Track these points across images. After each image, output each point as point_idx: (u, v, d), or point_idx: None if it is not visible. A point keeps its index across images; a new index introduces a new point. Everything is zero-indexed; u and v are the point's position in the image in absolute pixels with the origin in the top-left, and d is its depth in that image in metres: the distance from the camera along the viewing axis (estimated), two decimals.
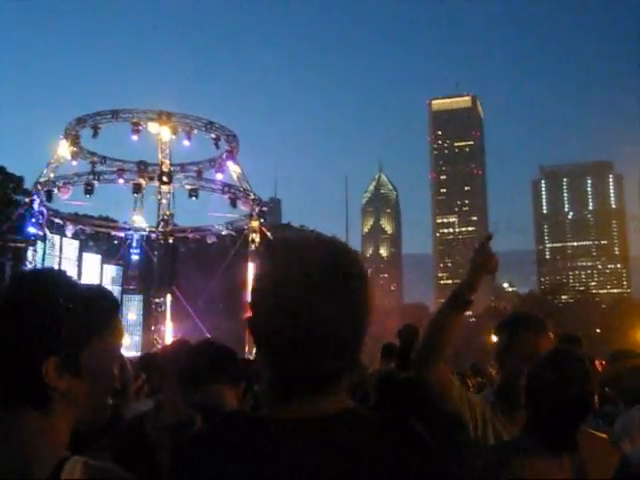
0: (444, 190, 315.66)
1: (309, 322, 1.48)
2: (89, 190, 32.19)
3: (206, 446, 1.53)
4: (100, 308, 1.77)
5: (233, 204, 33.34)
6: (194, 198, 32.64)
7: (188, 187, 32.93)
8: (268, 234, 34.78)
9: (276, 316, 1.50)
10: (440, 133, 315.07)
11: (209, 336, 23.90)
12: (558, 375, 2.84)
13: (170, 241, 34.81)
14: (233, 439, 1.51)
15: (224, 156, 33.95)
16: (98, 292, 1.84)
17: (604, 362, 6.41)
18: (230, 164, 34.08)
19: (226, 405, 3.38)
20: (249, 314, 1.57)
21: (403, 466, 1.46)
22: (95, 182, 32.54)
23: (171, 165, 33.05)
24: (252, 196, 34.42)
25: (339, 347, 1.51)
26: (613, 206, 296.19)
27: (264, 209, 36.36)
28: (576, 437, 2.81)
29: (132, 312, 34.73)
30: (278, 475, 1.43)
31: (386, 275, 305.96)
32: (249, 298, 1.58)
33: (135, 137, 31.55)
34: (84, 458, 1.59)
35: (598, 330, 76.74)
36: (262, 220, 35.09)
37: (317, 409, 1.51)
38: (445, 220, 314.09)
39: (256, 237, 34.33)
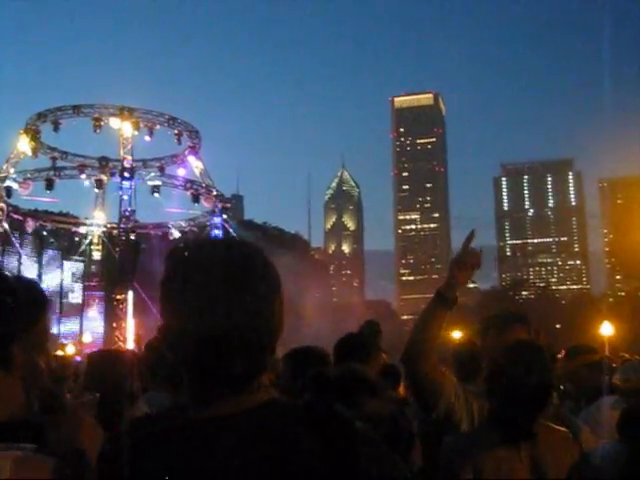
0: (406, 187, 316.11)
1: (214, 324, 1.48)
2: (50, 186, 31.91)
3: (132, 444, 1.52)
4: (29, 304, 1.78)
5: (195, 200, 33.25)
6: (156, 194, 32.49)
7: (150, 183, 32.76)
8: (231, 230, 34.77)
9: (182, 319, 1.51)
10: (402, 130, 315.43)
11: None
12: (518, 365, 2.88)
13: (132, 237, 34.57)
14: (157, 440, 1.52)
15: (186, 152, 33.87)
16: (28, 287, 1.86)
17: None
18: (192, 160, 33.99)
19: None
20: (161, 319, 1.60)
21: (328, 451, 1.47)
22: (56, 178, 32.29)
23: (133, 161, 32.85)
24: (214, 192, 34.37)
25: (247, 349, 1.52)
26: (573, 203, 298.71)
27: (227, 205, 36.33)
28: (534, 428, 2.84)
29: (93, 309, 34.49)
30: (204, 473, 1.46)
31: (349, 271, 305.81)
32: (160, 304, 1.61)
33: (97, 132, 31.35)
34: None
35: (558, 326, 77.57)
36: (224, 216, 35.03)
37: (238, 406, 1.51)
38: (407, 217, 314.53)
39: (219, 233, 34.27)
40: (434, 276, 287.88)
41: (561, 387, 6.19)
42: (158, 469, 1.46)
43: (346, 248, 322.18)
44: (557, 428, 3.02)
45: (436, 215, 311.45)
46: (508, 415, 2.85)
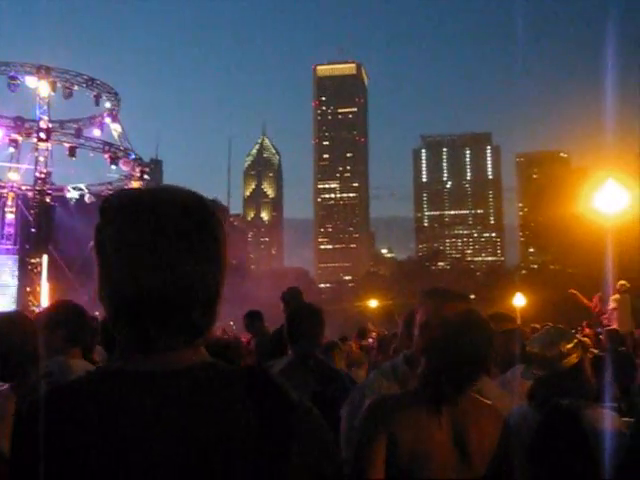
0: (326, 156, 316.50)
1: (166, 274, 1.46)
2: None
3: (60, 400, 1.47)
4: None
5: (113, 163, 32.72)
6: (73, 158, 31.89)
7: (67, 145, 32.07)
8: None
9: (133, 269, 1.47)
10: (324, 99, 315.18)
11: (86, 298, 23.51)
12: (452, 331, 2.93)
13: (47, 200, 33.89)
14: (87, 393, 1.47)
15: (105, 114, 33.24)
16: None
17: None
18: (111, 123, 33.40)
19: None
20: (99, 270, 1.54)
21: (263, 422, 1.45)
22: None
23: (50, 122, 32.09)
24: (133, 156, 33.87)
25: (202, 300, 1.50)
26: (490, 177, 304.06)
27: (145, 169, 35.83)
28: (459, 396, 2.86)
29: (6, 273, 33.75)
30: (134, 430, 1.41)
31: (267, 239, 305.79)
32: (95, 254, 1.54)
33: (12, 91, 30.54)
34: None
35: (472, 296, 78.75)
36: (143, 181, 34.62)
37: (177, 362, 1.48)
38: (327, 186, 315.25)
39: None
40: (352, 245, 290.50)
41: None
42: (79, 421, 1.41)
43: (265, 215, 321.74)
44: (484, 401, 3.02)
45: (355, 185, 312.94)
46: (433, 380, 2.85)
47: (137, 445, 1.39)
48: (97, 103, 32.26)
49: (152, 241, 1.47)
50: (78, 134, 32.77)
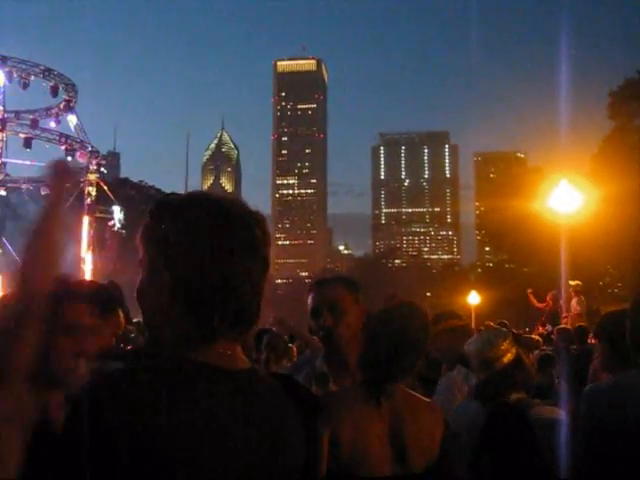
0: (285, 151, 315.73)
1: (229, 268, 1.61)
2: None
3: (126, 388, 1.49)
4: None
5: (70, 155, 32.39)
6: (28, 149, 31.54)
7: (22, 136, 31.70)
8: (105, 188, 34.12)
9: (200, 260, 1.60)
10: (284, 94, 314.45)
11: None
12: (381, 320, 3.01)
13: (1, 192, 33.50)
14: (154, 381, 1.51)
15: (62, 106, 32.88)
16: None
17: None
18: (68, 114, 33.07)
19: None
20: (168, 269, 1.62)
21: (305, 420, 1.68)
22: None
23: (5, 112, 31.69)
24: (90, 148, 33.59)
25: (255, 294, 1.68)
26: (447, 175, 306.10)
27: (102, 162, 35.58)
28: (396, 389, 2.91)
29: None
30: (201, 421, 1.50)
31: None
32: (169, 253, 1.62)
33: None
34: None
35: (428, 294, 79.73)
36: (99, 173, 34.35)
37: (237, 357, 1.65)
38: (285, 181, 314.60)
39: (92, 191, 33.65)
40: (309, 241, 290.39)
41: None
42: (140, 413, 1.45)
43: None
44: (423, 398, 3.08)
45: (314, 181, 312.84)
46: (368, 372, 2.91)
47: (219, 437, 1.51)
48: (54, 94, 31.89)
49: (219, 235, 1.62)
50: (34, 125, 32.37)
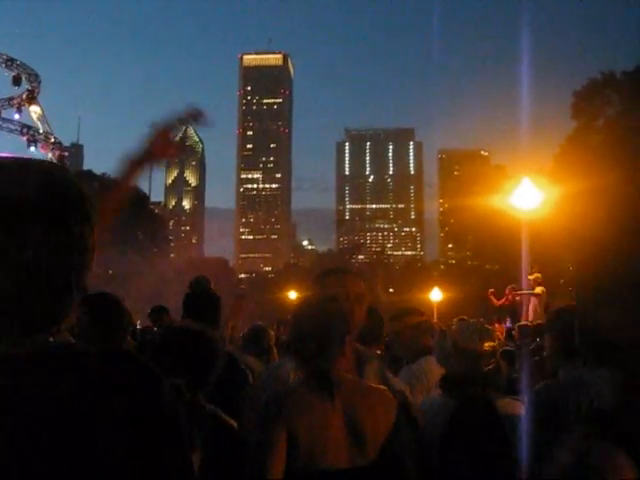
0: (250, 146, 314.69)
1: (17, 261, 1.30)
2: None
3: None
4: None
5: (32, 146, 32.09)
6: None
7: None
8: None
9: None
10: (249, 89, 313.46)
11: None
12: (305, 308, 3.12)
13: None
14: None
15: (24, 96, 32.55)
16: None
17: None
18: (30, 105, 32.74)
19: None
20: None
21: (124, 398, 1.34)
22: None
23: None
24: (52, 139, 33.29)
25: (53, 289, 1.35)
26: (412, 172, 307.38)
27: (64, 154, 35.36)
28: (343, 378, 2.94)
29: None
30: None
31: (188, 227, 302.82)
32: None
33: None
34: None
35: (391, 290, 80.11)
36: (62, 165, 34.02)
37: (31, 345, 1.34)
38: (249, 176, 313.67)
39: None
40: (273, 236, 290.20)
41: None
42: None
43: (187, 204, 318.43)
44: (377, 386, 3.08)
45: (278, 176, 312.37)
46: (309, 362, 2.96)
47: None
48: (16, 84, 31.56)
49: (15, 224, 1.30)
50: None
